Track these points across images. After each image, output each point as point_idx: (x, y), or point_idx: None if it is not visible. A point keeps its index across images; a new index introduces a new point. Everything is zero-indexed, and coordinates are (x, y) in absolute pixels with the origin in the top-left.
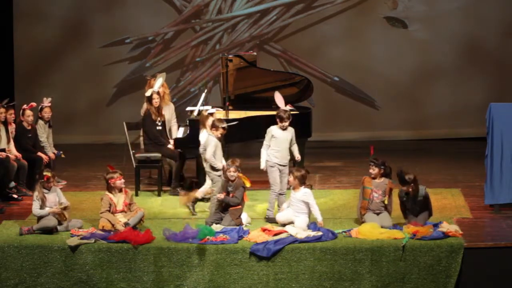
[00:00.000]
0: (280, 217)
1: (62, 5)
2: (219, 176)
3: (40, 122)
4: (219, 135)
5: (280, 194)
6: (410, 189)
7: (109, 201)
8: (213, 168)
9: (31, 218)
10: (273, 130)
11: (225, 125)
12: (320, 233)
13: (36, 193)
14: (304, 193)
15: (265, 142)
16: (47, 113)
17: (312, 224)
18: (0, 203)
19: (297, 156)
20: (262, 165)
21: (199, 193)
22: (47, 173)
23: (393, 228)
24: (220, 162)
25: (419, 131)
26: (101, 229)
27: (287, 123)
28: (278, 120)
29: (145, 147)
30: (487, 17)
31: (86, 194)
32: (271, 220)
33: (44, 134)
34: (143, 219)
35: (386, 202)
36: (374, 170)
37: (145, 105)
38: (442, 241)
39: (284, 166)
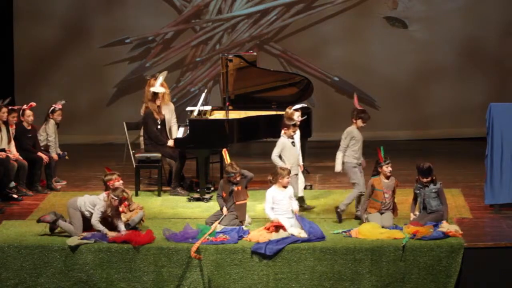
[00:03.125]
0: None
1: (62, 5)
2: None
3: (51, 121)
4: (292, 134)
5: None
6: (433, 178)
7: None
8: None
9: (31, 218)
10: (354, 131)
11: (294, 122)
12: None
13: (104, 206)
14: (291, 190)
15: (343, 145)
16: (59, 116)
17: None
18: (0, 203)
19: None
20: (339, 168)
21: (300, 191)
22: (125, 194)
23: (393, 228)
24: (290, 163)
25: (419, 131)
26: None
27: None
28: (361, 120)
29: (145, 147)
30: (487, 17)
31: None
32: (359, 216)
33: (53, 134)
34: (143, 218)
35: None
36: (390, 167)
37: (144, 105)
38: (442, 241)
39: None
